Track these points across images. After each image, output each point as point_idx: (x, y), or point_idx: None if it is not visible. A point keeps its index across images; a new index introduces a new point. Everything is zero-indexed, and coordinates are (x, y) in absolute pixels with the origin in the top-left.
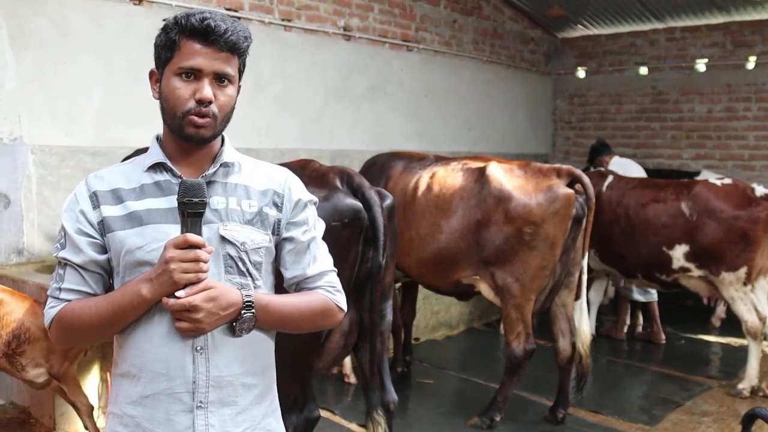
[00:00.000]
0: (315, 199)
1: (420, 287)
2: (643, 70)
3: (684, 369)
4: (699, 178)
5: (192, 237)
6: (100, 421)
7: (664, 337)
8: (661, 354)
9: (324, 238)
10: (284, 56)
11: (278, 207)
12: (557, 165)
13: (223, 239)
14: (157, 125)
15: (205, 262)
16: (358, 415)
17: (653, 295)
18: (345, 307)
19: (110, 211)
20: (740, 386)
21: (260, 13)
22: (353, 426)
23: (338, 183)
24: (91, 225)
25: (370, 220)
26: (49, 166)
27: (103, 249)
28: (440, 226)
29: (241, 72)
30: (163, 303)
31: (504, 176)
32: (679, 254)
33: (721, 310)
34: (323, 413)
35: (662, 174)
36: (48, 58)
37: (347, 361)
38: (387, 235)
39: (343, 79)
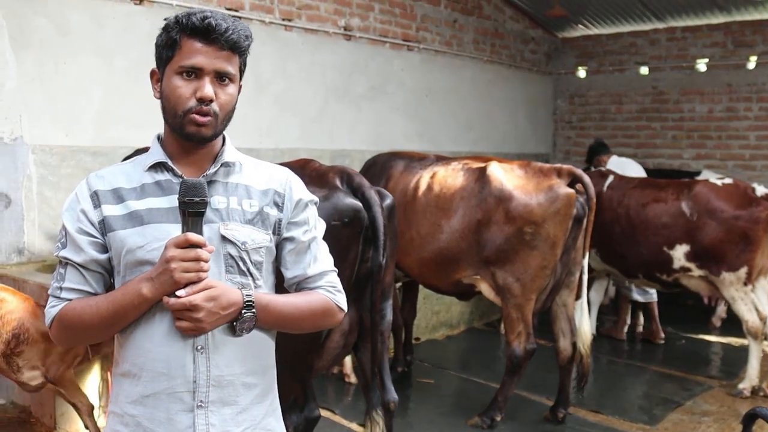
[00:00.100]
0: (316, 199)
1: (420, 287)
2: (644, 70)
3: (684, 369)
4: (700, 178)
5: (193, 236)
6: (101, 421)
7: (663, 336)
8: (661, 354)
9: (324, 237)
10: (285, 56)
11: (279, 207)
12: (558, 165)
13: (224, 239)
14: (157, 125)
15: (206, 261)
16: (359, 414)
17: (652, 295)
18: (345, 307)
19: (111, 210)
20: (741, 386)
21: (261, 13)
22: (353, 426)
23: (338, 182)
24: (92, 224)
25: (370, 219)
26: (50, 166)
27: (104, 248)
28: (441, 226)
29: (242, 71)
30: (163, 302)
31: (505, 176)
32: (679, 254)
33: (721, 310)
34: (323, 413)
35: (663, 174)
36: (48, 57)
37: (348, 360)
38: (387, 235)
39: (343, 79)
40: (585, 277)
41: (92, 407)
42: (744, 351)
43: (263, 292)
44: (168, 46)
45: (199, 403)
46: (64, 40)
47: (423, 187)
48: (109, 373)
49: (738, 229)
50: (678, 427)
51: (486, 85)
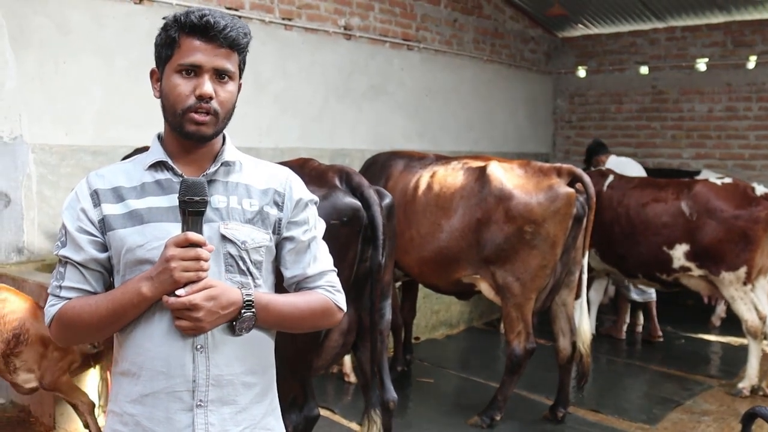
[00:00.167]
0: (316, 198)
1: (420, 286)
2: (644, 70)
3: (684, 368)
4: (699, 177)
5: (193, 235)
6: (101, 420)
7: (660, 335)
8: (661, 353)
9: (323, 237)
10: (285, 55)
11: (279, 206)
12: (558, 164)
13: (224, 238)
14: (157, 125)
15: (206, 260)
16: (358, 414)
17: (651, 294)
18: (344, 306)
19: (111, 209)
20: (740, 385)
21: (261, 12)
22: (353, 425)
23: (337, 182)
24: (92, 223)
25: (369, 218)
26: (50, 165)
27: (104, 247)
28: (441, 225)
29: (241, 69)
30: (163, 301)
31: (504, 175)
32: (679, 254)
33: (721, 310)
34: (323, 412)
35: (662, 173)
36: (48, 57)
37: (347, 360)
38: (386, 234)
39: (343, 79)
40: (585, 277)
41: (93, 405)
42: (743, 350)
43: (263, 292)
44: (167, 44)
45: (198, 403)
46: (64, 40)
47: (423, 186)
48: (108, 373)
49: (738, 228)
50: (677, 427)
51: (486, 84)
